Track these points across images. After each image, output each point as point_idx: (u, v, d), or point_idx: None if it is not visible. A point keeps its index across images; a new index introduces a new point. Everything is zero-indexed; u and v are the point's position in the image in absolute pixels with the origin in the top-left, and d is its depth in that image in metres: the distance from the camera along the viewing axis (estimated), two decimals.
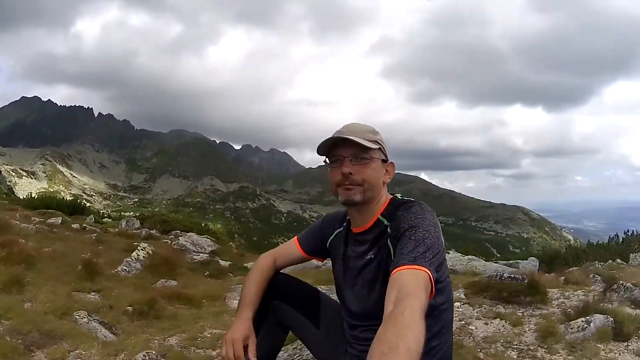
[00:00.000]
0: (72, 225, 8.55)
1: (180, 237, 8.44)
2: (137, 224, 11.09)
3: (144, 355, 2.32)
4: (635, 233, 11.86)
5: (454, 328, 2.28)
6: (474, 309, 3.42)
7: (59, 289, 3.66)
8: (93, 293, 3.83)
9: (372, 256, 1.48)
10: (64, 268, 4.44)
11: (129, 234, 8.91)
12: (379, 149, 1.48)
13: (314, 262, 5.90)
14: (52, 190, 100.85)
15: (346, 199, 1.47)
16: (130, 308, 3.45)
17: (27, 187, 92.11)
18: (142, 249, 5.49)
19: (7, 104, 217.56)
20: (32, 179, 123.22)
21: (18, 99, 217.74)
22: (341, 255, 1.61)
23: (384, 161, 1.51)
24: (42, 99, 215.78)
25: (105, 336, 2.80)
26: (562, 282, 4.43)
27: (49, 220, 8.51)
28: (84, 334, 2.70)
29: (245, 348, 1.53)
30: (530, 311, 3.48)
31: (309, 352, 2.03)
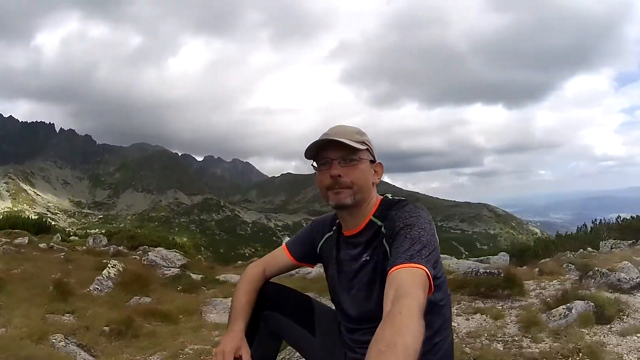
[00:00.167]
0: (40, 245, 8.35)
1: (149, 253, 8.26)
2: (105, 240, 10.89)
3: None
4: (602, 221, 12.37)
5: None
6: (453, 306, 3.49)
7: (33, 312, 3.53)
8: (67, 314, 3.70)
9: (368, 258, 1.45)
10: (35, 289, 4.31)
11: (97, 252, 8.72)
12: (367, 149, 1.47)
13: (301, 270, 5.86)
14: (16, 209, 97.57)
15: (337, 203, 1.45)
16: (107, 328, 3.35)
17: None
18: (112, 267, 5.36)
19: None
20: None
21: None
22: (334, 260, 1.58)
23: (372, 162, 1.50)
24: (4, 115, 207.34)
25: (84, 359, 2.69)
26: (537, 274, 4.57)
27: (16, 241, 8.30)
28: (62, 358, 2.59)
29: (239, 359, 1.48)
30: (510, 304, 3.57)
31: (299, 357, 1.98)
